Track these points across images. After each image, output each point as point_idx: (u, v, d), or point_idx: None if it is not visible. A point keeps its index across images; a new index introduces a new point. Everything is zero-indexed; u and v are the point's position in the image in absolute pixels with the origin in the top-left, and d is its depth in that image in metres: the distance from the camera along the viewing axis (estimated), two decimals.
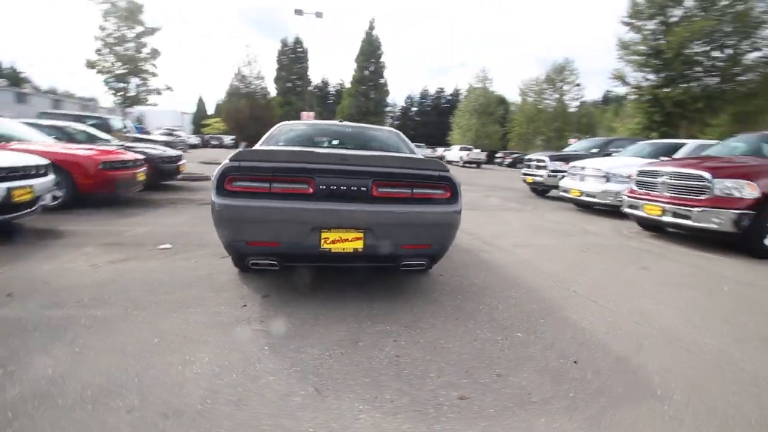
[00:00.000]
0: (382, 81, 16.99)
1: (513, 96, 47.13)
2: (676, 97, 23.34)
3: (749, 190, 4.42)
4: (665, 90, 23.74)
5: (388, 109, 24.34)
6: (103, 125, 9.52)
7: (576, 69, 37.11)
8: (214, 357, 1.87)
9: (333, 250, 2.36)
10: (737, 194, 4.47)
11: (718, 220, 4.51)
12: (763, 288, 3.37)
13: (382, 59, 17.09)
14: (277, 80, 24.94)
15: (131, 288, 2.67)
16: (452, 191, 2.51)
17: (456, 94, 51.60)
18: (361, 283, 2.98)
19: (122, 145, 7.66)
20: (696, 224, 4.72)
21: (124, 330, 2.09)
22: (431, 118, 51.45)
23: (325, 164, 2.40)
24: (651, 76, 24.82)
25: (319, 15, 17.16)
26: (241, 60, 16.02)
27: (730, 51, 22.41)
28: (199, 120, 53.91)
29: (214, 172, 2.40)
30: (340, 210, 2.32)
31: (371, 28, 18.29)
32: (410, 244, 2.48)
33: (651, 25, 24.65)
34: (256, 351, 1.94)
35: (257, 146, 3.28)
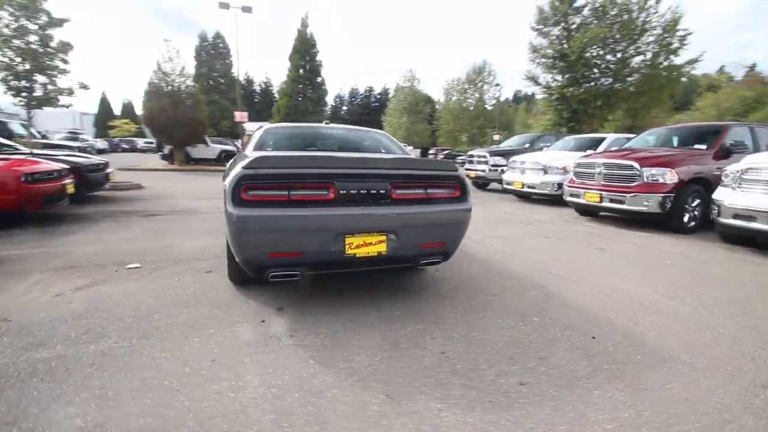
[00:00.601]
0: (318, 80, 16.75)
1: (438, 95, 49.27)
2: (579, 96, 26.13)
3: (670, 176, 5.20)
4: (570, 90, 26.49)
5: (327, 108, 23.92)
6: (2, 130, 8.09)
7: (493, 70, 39.92)
8: (262, 378, 1.75)
9: (358, 255, 2.33)
10: (661, 180, 5.23)
11: (648, 203, 5.25)
12: (700, 261, 4.00)
13: (318, 57, 16.84)
14: (197, 78, 23.22)
15: (120, 316, 2.36)
16: (462, 190, 2.61)
17: (385, 92, 52.63)
18: (365, 285, 2.97)
19: (31, 153, 6.63)
20: (629, 207, 5.44)
21: (141, 363, 1.86)
22: (362, 117, 51.95)
23: (345, 168, 2.35)
24: (558, 77, 27.51)
25: (247, 10, 16.23)
26: (161, 56, 14.47)
27: (619, 55, 25.60)
28: (103, 121, 48.14)
29: (227, 180, 2.22)
30: (364, 214, 2.30)
31: (304, 25, 17.83)
32: (429, 243, 2.54)
33: (556, 31, 27.27)
34: (304, 366, 1.86)
35: (249, 151, 3.08)
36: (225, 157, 4.90)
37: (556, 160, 8.12)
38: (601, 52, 25.83)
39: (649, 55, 24.83)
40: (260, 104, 55.01)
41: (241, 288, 2.84)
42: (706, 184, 5.33)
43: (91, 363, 1.84)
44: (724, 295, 2.92)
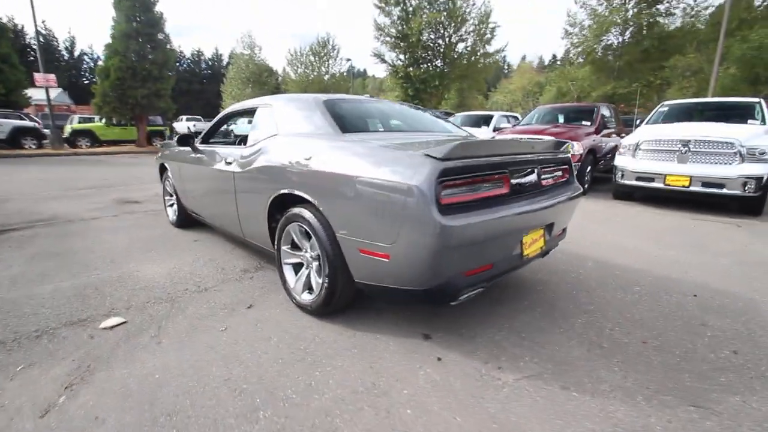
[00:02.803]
0: (161, 37, 12.86)
1: (280, 67, 46.19)
2: (421, 76, 28.44)
3: (578, 148, 6.19)
4: (411, 69, 28.53)
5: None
6: None
7: (337, 44, 39.62)
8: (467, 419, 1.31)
9: (530, 256, 1.97)
10: (572, 151, 6.18)
11: None
12: (632, 215, 4.91)
13: (156, 8, 12.56)
14: None
15: (208, 410, 1.41)
16: (570, 172, 2.47)
17: (218, 58, 45.94)
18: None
19: None
20: None
21: None
22: (192, 87, 44.38)
23: (519, 155, 1.90)
24: (402, 57, 29.24)
25: None
26: None
27: (447, 40, 28.67)
28: None
29: (406, 178, 1.51)
30: (540, 208, 1.93)
31: None
32: (559, 231, 2.33)
33: (396, 11, 28.56)
34: (492, 396, 1.47)
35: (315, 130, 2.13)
36: (180, 140, 3.30)
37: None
38: (433, 36, 28.47)
39: (470, 42, 28.52)
40: (66, 67, 41.61)
41: (334, 318, 2.07)
42: (594, 154, 6.56)
43: None
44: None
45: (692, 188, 4.93)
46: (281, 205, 2.27)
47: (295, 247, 2.24)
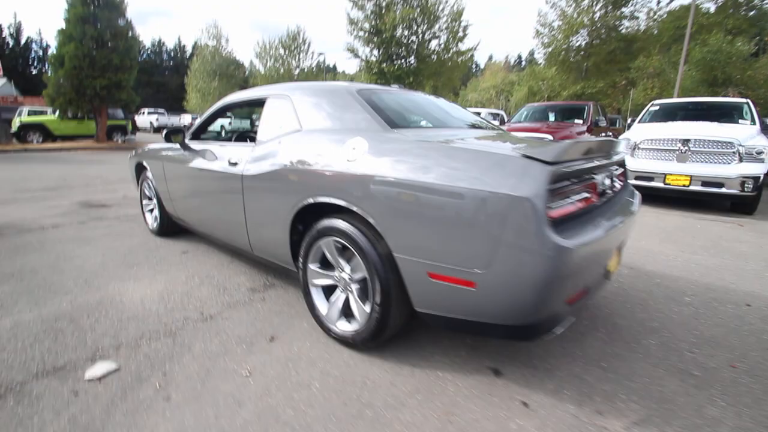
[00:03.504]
0: (122, 23, 11.52)
1: (247, 60, 44.41)
2: (394, 72, 28.16)
3: None
4: (385, 65, 28.19)
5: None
6: None
7: (308, 37, 38.55)
8: None
9: (612, 272, 1.71)
10: None
11: None
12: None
13: None
14: None
15: None
16: (626, 174, 2.23)
17: (180, 49, 43.39)
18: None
19: None
20: None
21: None
22: (154, 78, 41.59)
23: (604, 157, 1.61)
24: (375, 52, 28.82)
25: None
26: None
27: (421, 37, 28.53)
28: None
29: (508, 187, 1.18)
30: (628, 217, 1.66)
31: None
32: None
33: (369, 6, 28.08)
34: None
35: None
36: (168, 135, 2.84)
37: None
38: (407, 33, 28.25)
39: (443, 39, 28.49)
40: (11, 55, 37.97)
41: (381, 353, 1.72)
42: None
43: None
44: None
45: (692, 187, 4.91)
46: (306, 215, 1.89)
47: (326, 265, 1.87)
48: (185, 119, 28.99)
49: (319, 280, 1.89)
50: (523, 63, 66.14)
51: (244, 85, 39.84)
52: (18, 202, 4.83)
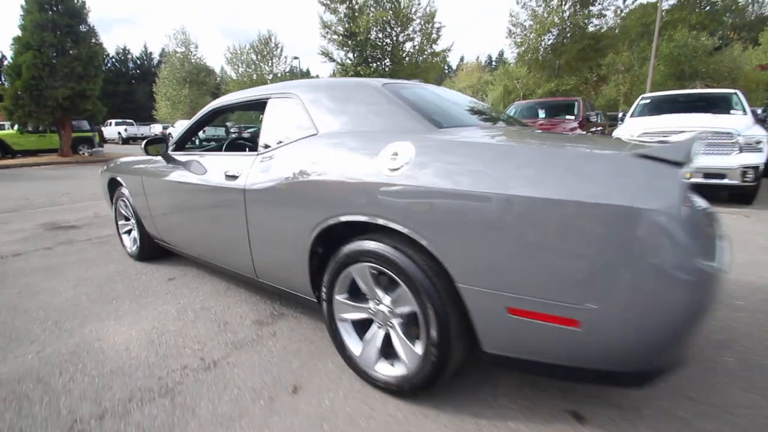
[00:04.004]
0: (84, 29, 10.63)
1: (217, 66, 43.33)
2: (371, 75, 28.01)
3: None
4: (361, 68, 27.97)
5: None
6: None
7: (280, 42, 37.88)
8: None
9: None
10: None
11: None
12: None
13: None
14: None
15: None
16: None
17: (148, 57, 41.60)
18: None
19: None
20: None
21: None
22: (119, 88, 39.65)
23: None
24: (351, 55, 28.54)
25: None
26: None
27: (395, 39, 28.46)
28: None
29: (632, 198, 0.90)
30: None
31: None
32: None
33: (342, 8, 27.79)
34: None
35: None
36: (148, 144, 2.41)
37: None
38: (381, 35, 28.12)
39: (417, 41, 28.47)
40: None
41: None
42: None
43: None
44: None
45: (693, 179, 4.84)
46: (328, 235, 1.56)
47: (357, 295, 1.55)
48: (155, 129, 27.88)
49: (349, 313, 1.56)
50: (494, 63, 67.31)
51: (216, 92, 38.72)
52: None
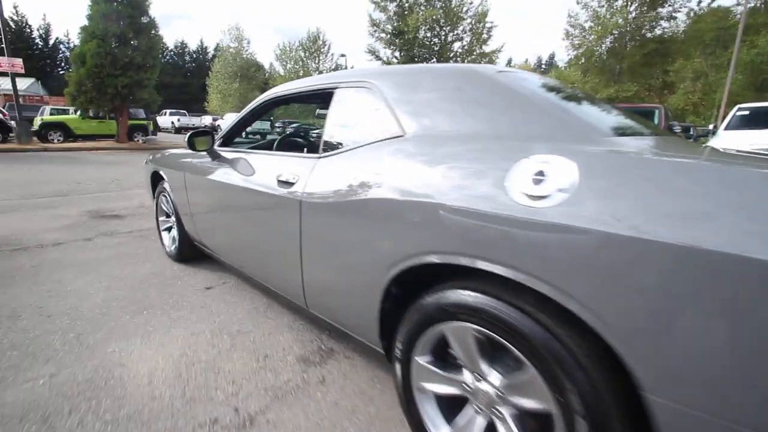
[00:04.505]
0: (145, 20, 11.12)
1: (267, 62, 44.51)
2: None
3: None
4: None
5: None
6: None
7: (328, 39, 38.23)
8: None
9: None
10: None
11: None
12: None
13: None
14: None
15: None
16: None
17: (203, 51, 43.42)
18: None
19: None
20: None
21: None
22: (175, 80, 41.70)
23: None
24: (397, 54, 28.18)
25: None
26: None
27: (443, 38, 27.80)
28: None
29: None
30: None
31: None
32: None
33: (392, 6, 27.50)
34: None
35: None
36: (192, 138, 2.11)
37: None
38: (429, 35, 27.57)
39: (466, 41, 27.65)
40: (40, 56, 39.05)
41: None
42: None
43: None
44: None
45: None
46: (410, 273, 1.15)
47: (444, 359, 1.12)
48: (206, 120, 28.87)
49: (433, 384, 1.14)
50: (543, 66, 64.67)
51: (265, 86, 39.70)
52: (23, 210, 4.25)
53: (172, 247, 2.86)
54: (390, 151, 1.21)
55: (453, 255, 0.98)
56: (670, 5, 19.62)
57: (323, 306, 1.54)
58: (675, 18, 20.01)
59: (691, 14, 19.36)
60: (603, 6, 21.23)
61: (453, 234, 0.97)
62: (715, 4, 19.45)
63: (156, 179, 3.00)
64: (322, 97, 1.65)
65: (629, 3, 20.59)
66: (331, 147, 1.46)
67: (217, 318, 2.05)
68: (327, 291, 1.47)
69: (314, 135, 3.09)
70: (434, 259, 1.01)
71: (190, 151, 2.34)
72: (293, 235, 1.51)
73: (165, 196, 2.83)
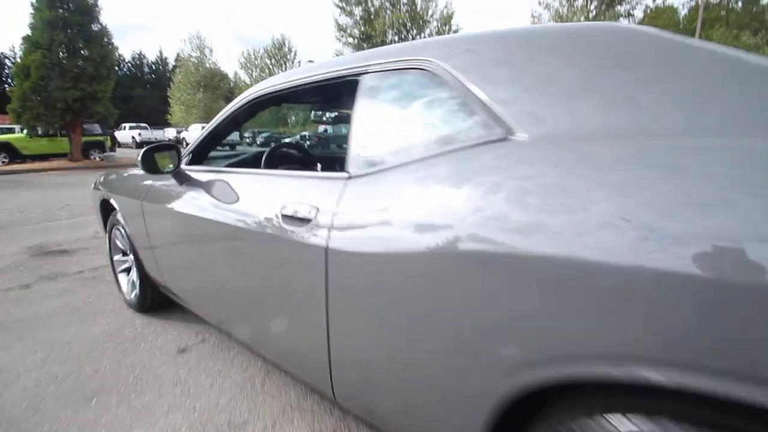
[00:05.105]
0: (96, 28, 10.02)
1: (230, 71, 43.14)
2: None
3: None
4: None
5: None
6: None
7: (294, 46, 37.49)
8: None
9: None
10: None
11: None
12: None
13: None
14: None
15: None
16: None
17: (162, 62, 41.34)
18: None
19: None
20: None
21: None
22: (135, 92, 39.33)
23: None
24: None
25: None
26: None
27: None
28: None
29: None
30: None
31: None
32: None
33: (359, 11, 27.24)
34: None
35: None
36: (150, 152, 1.60)
37: None
38: (396, 38, 27.40)
39: None
40: None
41: None
42: None
43: None
44: None
45: None
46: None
47: None
48: (170, 133, 27.45)
49: None
50: None
51: (230, 95, 38.34)
52: None
53: (132, 294, 2.23)
54: (491, 167, 0.71)
55: (684, 371, 0.48)
56: (627, 3, 20.33)
57: (366, 403, 1.02)
58: (632, 15, 20.72)
59: (648, 11, 20.07)
60: (564, 6, 21.74)
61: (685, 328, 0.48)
62: (669, 2, 20.28)
63: (107, 209, 2.37)
64: (340, 91, 1.14)
65: (589, 2, 21.20)
66: (369, 162, 0.94)
67: (198, 402, 1.48)
68: (375, 385, 0.95)
69: (318, 146, 2.55)
70: (643, 372, 0.51)
71: (149, 173, 1.75)
72: (313, 296, 0.98)
73: (119, 230, 2.20)
